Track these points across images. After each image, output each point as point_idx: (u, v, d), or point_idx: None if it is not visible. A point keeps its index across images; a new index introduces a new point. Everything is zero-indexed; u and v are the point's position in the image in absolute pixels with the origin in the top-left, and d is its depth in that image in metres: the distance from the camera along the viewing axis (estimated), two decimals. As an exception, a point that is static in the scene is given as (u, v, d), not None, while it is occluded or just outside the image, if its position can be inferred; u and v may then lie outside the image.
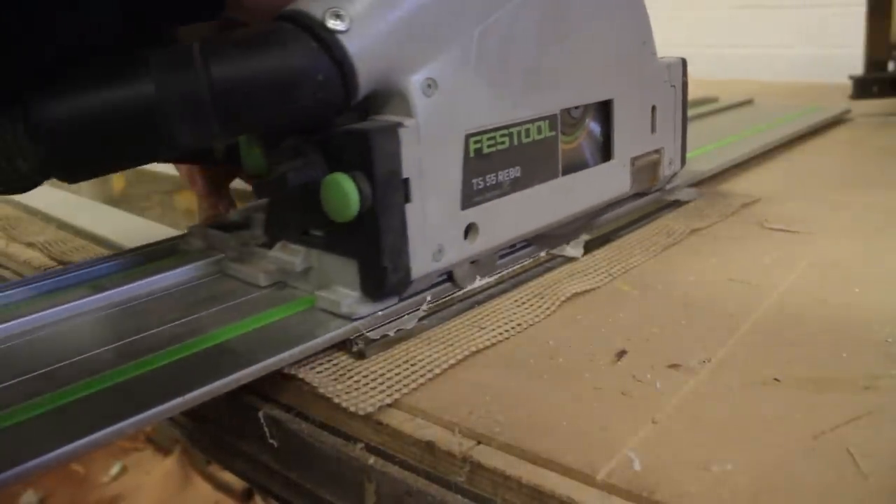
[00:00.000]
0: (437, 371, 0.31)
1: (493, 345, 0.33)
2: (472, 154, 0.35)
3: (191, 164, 0.48)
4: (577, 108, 0.42)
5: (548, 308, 0.37)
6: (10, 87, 0.28)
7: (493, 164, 0.36)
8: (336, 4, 0.30)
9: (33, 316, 0.35)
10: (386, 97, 0.32)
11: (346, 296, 0.34)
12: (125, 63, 0.28)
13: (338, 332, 0.32)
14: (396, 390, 0.30)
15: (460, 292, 0.38)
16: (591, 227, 0.47)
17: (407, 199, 0.32)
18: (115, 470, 1.16)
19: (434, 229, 0.34)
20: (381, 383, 0.30)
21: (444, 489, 0.26)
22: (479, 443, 0.26)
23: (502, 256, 0.41)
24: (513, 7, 0.35)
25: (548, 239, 0.43)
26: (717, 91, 1.13)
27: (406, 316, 0.35)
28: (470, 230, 0.36)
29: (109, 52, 0.28)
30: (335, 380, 0.31)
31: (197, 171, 0.49)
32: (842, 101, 0.96)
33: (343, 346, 0.33)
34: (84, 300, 0.36)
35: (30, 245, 0.52)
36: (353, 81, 0.30)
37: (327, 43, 0.29)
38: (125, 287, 0.38)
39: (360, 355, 0.32)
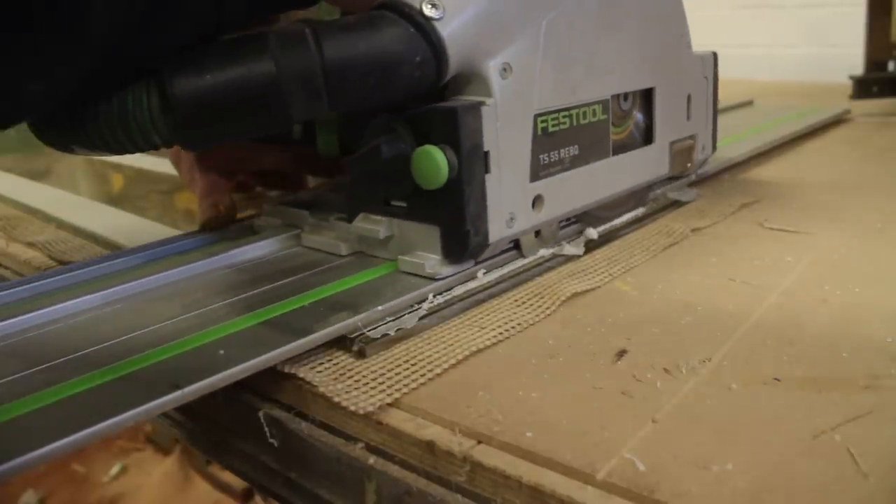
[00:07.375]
0: (438, 370, 0.31)
1: (493, 345, 0.33)
2: (539, 132, 0.39)
3: (267, 144, 0.52)
4: (624, 94, 0.46)
5: (548, 308, 0.37)
6: (149, 65, 0.30)
7: (557, 142, 0.40)
8: None
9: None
10: (467, 79, 0.36)
11: (429, 258, 0.38)
12: (247, 43, 0.31)
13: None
14: (397, 390, 0.30)
15: (461, 291, 0.38)
16: (636, 206, 0.51)
17: (487, 170, 0.36)
18: (115, 470, 1.16)
19: (507, 198, 0.38)
20: (382, 383, 0.30)
21: (444, 489, 0.26)
22: (479, 442, 0.26)
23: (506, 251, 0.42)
24: None
25: (593, 218, 0.47)
26: (718, 91, 1.13)
27: (406, 315, 0.35)
28: (536, 201, 0.40)
29: (231, 32, 0.32)
30: (335, 379, 0.31)
31: (197, 171, 0.49)
32: (842, 101, 0.95)
33: (343, 345, 0.33)
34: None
35: (30, 245, 0.52)
36: (445, 64, 0.34)
37: (424, 29, 0.33)
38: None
39: (361, 354, 0.32)
